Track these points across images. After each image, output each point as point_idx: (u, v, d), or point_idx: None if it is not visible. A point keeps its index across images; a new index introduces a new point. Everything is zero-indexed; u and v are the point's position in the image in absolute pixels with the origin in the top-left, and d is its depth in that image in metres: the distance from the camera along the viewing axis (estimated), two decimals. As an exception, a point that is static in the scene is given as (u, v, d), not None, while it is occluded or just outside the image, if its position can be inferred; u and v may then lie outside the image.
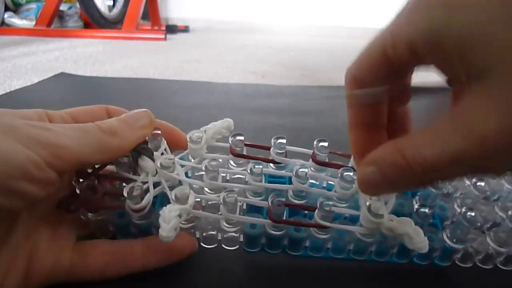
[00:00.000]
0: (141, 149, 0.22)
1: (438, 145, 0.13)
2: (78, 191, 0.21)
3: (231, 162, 0.25)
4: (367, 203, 0.20)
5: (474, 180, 0.27)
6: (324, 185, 0.25)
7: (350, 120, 0.19)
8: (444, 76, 0.14)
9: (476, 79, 0.12)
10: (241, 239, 0.24)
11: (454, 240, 0.22)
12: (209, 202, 0.24)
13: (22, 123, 0.17)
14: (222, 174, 0.24)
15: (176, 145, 0.25)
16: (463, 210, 0.23)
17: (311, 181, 0.24)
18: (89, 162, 0.20)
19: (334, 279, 0.23)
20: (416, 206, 0.24)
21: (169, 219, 0.19)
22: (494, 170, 0.13)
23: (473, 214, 0.22)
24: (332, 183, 0.24)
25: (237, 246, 0.24)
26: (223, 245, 0.24)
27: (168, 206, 0.20)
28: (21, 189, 0.16)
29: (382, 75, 0.16)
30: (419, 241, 0.19)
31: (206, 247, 0.24)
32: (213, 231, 0.24)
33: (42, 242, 0.20)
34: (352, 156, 0.22)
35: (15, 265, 0.19)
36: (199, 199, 0.23)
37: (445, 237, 0.22)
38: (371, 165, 0.16)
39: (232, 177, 0.25)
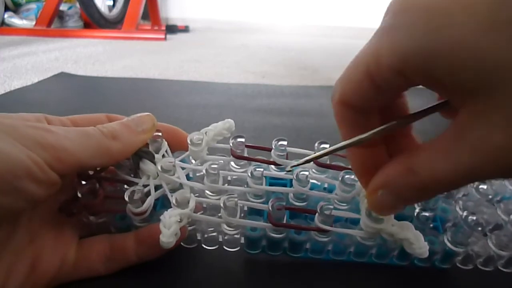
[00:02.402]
0: (142, 153, 0.22)
1: (450, 163, 0.13)
2: (79, 195, 0.21)
3: (232, 163, 0.25)
4: (367, 208, 0.20)
5: (476, 182, 0.27)
6: (326, 185, 0.25)
7: (342, 137, 0.18)
8: (436, 93, 0.14)
9: (473, 97, 0.12)
10: (242, 240, 0.24)
11: (455, 244, 0.22)
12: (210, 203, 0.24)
13: (22, 124, 0.17)
14: (223, 175, 0.24)
15: (179, 146, 0.25)
16: (465, 214, 0.22)
17: (312, 181, 0.24)
18: (90, 165, 0.20)
19: (334, 279, 0.23)
20: (417, 210, 0.23)
21: (169, 225, 0.19)
22: (506, 178, 0.13)
23: (474, 218, 0.22)
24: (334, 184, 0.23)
25: (238, 248, 0.24)
26: (224, 247, 0.24)
27: (168, 211, 0.20)
28: (26, 189, 0.16)
29: (370, 96, 0.15)
30: (419, 246, 0.19)
31: (207, 249, 0.24)
32: (214, 233, 0.24)
33: (47, 245, 0.20)
34: None
35: (17, 268, 0.19)
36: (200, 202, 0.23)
37: (446, 240, 0.22)
38: (382, 188, 0.16)
39: (233, 177, 0.25)
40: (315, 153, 0.19)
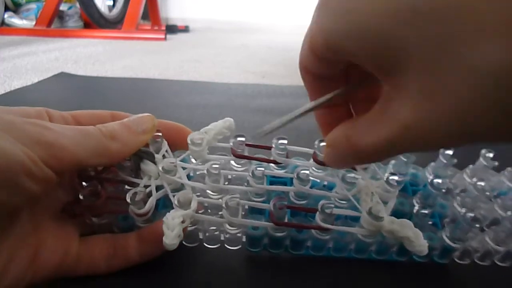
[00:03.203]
0: (142, 153, 0.22)
1: (373, 134, 0.15)
2: (81, 197, 0.21)
3: (233, 162, 0.25)
4: (368, 206, 0.20)
5: (474, 179, 0.27)
6: (325, 182, 0.26)
7: (309, 98, 0.20)
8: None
9: (389, 74, 0.13)
10: (244, 239, 0.24)
11: (453, 239, 0.22)
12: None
13: (20, 120, 0.17)
14: (223, 174, 0.24)
15: (183, 144, 0.24)
16: (463, 210, 0.23)
17: (312, 178, 0.24)
18: (88, 165, 0.20)
19: (335, 276, 0.23)
20: (416, 207, 0.24)
21: (173, 227, 0.19)
22: (420, 150, 0.14)
23: (472, 214, 0.22)
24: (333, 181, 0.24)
25: (240, 246, 0.24)
26: (226, 245, 0.24)
27: (171, 212, 0.20)
28: (22, 184, 0.16)
29: (317, 66, 0.17)
30: (419, 244, 0.20)
31: (209, 247, 0.24)
32: (216, 232, 0.24)
33: (50, 237, 0.20)
34: None
35: (19, 254, 0.19)
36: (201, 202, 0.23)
37: (444, 237, 0.22)
38: (329, 146, 0.18)
39: (234, 176, 0.25)
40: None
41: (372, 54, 0.13)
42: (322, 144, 0.23)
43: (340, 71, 0.18)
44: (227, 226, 0.22)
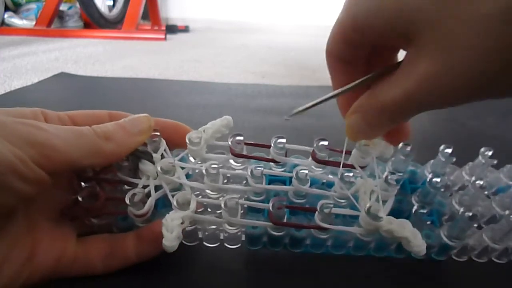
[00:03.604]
0: (140, 153, 0.22)
1: (398, 88, 0.16)
2: (80, 199, 0.21)
3: (231, 161, 0.25)
4: (367, 205, 0.20)
5: (473, 177, 0.27)
6: (324, 180, 0.25)
7: (332, 83, 0.21)
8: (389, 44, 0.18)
9: (413, 40, 0.15)
10: (243, 237, 0.24)
11: (451, 238, 0.22)
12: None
13: (11, 120, 0.17)
14: (222, 173, 0.24)
15: (181, 143, 0.24)
16: (461, 209, 0.23)
17: (311, 175, 0.24)
18: (81, 165, 0.19)
19: (335, 276, 0.23)
20: (415, 207, 0.24)
21: (172, 228, 0.19)
22: (436, 106, 0.16)
23: (470, 214, 0.22)
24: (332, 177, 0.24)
25: (239, 245, 0.24)
26: (225, 244, 0.24)
27: (170, 213, 0.20)
28: (11, 185, 0.16)
29: (345, 49, 0.19)
30: (417, 244, 0.20)
31: (209, 246, 0.24)
32: (216, 230, 0.24)
33: (46, 237, 0.20)
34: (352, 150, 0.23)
35: (14, 254, 0.19)
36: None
37: (442, 235, 0.22)
38: (355, 112, 0.19)
39: (232, 173, 0.25)
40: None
41: (395, 25, 0.15)
42: (322, 142, 0.23)
43: (363, 58, 0.19)
44: (226, 225, 0.22)
